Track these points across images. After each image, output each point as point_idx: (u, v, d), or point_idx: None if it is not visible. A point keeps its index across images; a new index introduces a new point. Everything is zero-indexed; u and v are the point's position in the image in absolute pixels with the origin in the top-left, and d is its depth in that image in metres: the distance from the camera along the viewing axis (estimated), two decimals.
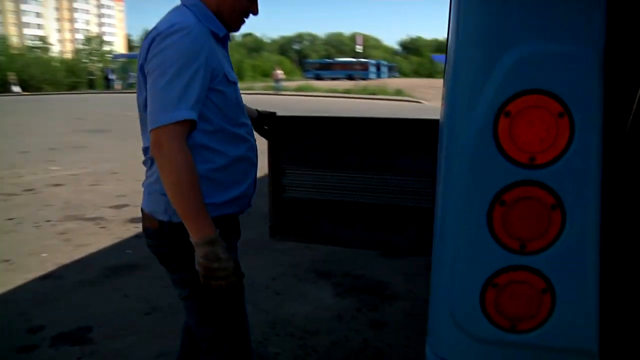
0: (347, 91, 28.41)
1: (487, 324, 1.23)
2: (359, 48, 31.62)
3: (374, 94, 28.30)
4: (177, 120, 1.30)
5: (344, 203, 2.47)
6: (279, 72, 31.96)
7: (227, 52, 1.56)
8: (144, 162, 1.55)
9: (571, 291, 1.17)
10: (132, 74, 34.00)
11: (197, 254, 1.36)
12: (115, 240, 4.72)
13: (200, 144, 1.42)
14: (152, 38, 1.36)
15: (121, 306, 3.39)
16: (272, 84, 31.67)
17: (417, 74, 72.25)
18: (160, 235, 1.50)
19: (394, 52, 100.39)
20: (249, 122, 1.61)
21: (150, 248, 1.59)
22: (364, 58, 46.14)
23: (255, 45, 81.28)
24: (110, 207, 5.93)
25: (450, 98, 1.23)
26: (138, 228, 4.98)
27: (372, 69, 50.71)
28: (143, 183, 1.56)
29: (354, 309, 3.37)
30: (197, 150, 1.40)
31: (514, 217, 1.17)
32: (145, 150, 1.51)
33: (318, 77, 48.63)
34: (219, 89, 1.43)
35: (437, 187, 1.32)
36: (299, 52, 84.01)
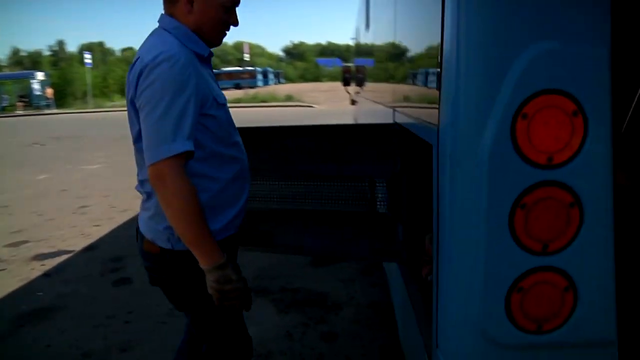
0: (238, 100, 28.01)
1: (513, 329, 1.22)
2: (246, 56, 31.36)
3: (265, 101, 28.25)
4: (176, 153, 1.30)
5: (300, 212, 2.39)
6: None
7: (211, 70, 1.55)
8: (140, 192, 1.56)
9: (591, 286, 1.19)
10: (4, 96, 31.33)
11: (209, 278, 1.38)
12: (21, 283, 4.10)
13: (196, 173, 1.41)
14: (140, 70, 1.34)
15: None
16: None
17: (303, 78, 73.52)
18: (161, 261, 1.52)
19: (278, 59, 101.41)
20: (239, 138, 1.59)
21: (147, 270, 1.60)
22: (249, 66, 45.90)
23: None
24: (6, 245, 5.21)
25: (456, 103, 1.19)
26: (45, 265, 4.46)
27: (259, 76, 50.62)
28: (139, 213, 1.59)
29: (300, 324, 3.26)
30: (193, 180, 1.36)
31: (535, 219, 1.16)
32: (142, 183, 1.52)
33: None
34: (211, 113, 1.43)
35: (440, 196, 1.27)
36: None
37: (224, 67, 57.62)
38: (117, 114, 24.34)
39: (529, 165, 1.14)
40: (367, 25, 3.71)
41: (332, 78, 48.69)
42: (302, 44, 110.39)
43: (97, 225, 5.83)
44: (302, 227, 2.48)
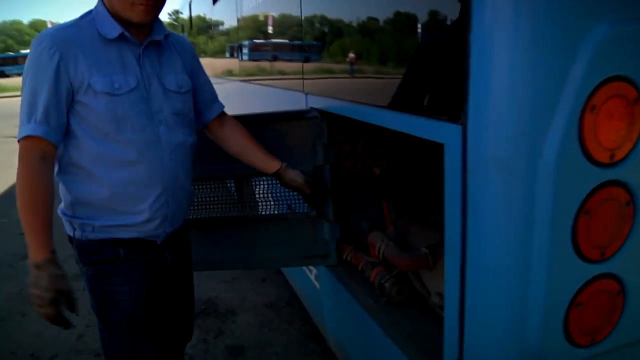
0: None
1: (569, 348, 1.08)
2: None
3: None
4: (24, 135, 1.29)
5: (206, 221, 2.04)
6: None
7: (136, 52, 1.40)
8: None
9: (637, 286, 1.11)
10: None
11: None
12: None
13: (74, 162, 1.38)
14: None
15: None
16: None
17: None
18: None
19: None
20: (140, 137, 1.39)
21: None
22: None
23: None
24: None
25: (504, 96, 0.98)
26: None
27: None
28: None
29: (200, 340, 2.85)
30: (71, 169, 1.39)
31: (596, 224, 1.02)
32: None
33: (2, 74, 40.25)
34: (83, 101, 1.33)
35: (475, 206, 1.06)
36: None
37: (22, 49, 48.69)
38: None
39: (593, 165, 0.99)
40: None
41: None
42: None
43: None
44: (208, 238, 2.09)
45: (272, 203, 2.08)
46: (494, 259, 1.06)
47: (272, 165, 1.74)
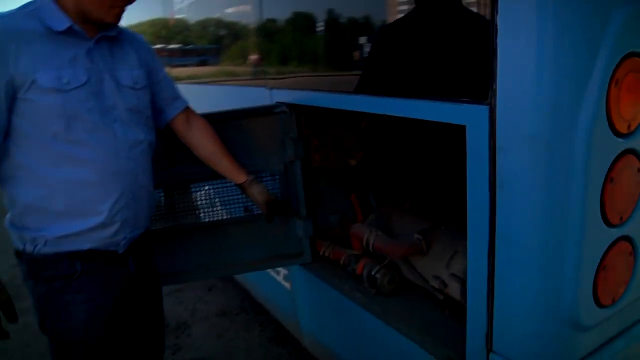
0: None
1: (596, 310, 1.16)
2: None
3: None
4: None
5: (176, 228, 1.90)
6: None
7: (86, 47, 1.29)
8: None
9: None
10: None
11: None
12: None
13: (22, 165, 1.27)
14: None
15: None
16: None
17: None
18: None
19: None
20: (93, 135, 1.29)
21: None
22: None
23: None
24: None
25: (534, 72, 1.01)
26: None
27: None
28: None
29: None
30: (18, 173, 1.28)
31: (618, 191, 1.10)
32: None
33: None
34: (28, 98, 1.23)
35: (499, 181, 1.10)
36: None
37: None
38: None
39: (615, 136, 1.06)
40: None
41: None
42: None
43: None
44: (175, 248, 1.96)
45: (236, 206, 2.00)
46: (528, 233, 1.10)
47: (238, 177, 1.72)
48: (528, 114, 1.04)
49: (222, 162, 1.68)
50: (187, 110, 1.63)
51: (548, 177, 1.05)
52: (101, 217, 1.31)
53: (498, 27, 1.04)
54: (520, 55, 1.02)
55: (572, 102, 1.01)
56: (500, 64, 1.05)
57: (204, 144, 1.65)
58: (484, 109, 1.10)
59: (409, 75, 1.34)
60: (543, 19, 1.00)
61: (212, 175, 1.78)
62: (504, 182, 1.10)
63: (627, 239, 1.16)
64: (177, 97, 1.61)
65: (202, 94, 2.68)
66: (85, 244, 1.32)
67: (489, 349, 1.24)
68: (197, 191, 1.96)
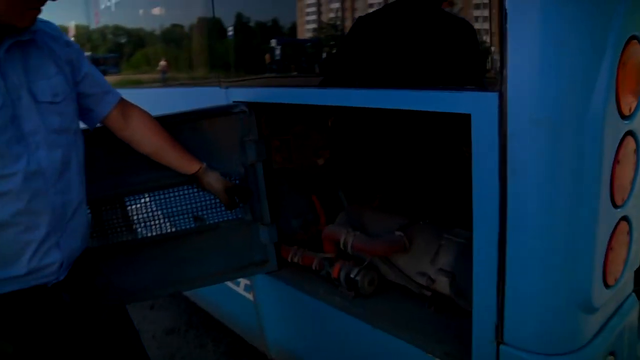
0: None
1: (604, 290, 1.17)
2: None
3: None
4: None
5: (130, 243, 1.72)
6: None
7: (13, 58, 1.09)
8: None
9: (637, 223, 1.24)
10: None
11: None
12: None
13: None
14: None
15: None
16: None
17: None
18: None
19: None
20: (13, 169, 1.08)
21: None
22: None
23: None
24: None
25: (542, 57, 1.00)
26: None
27: None
28: None
29: None
30: None
31: (623, 172, 1.12)
32: None
33: None
34: None
35: (509, 168, 1.08)
36: None
37: None
38: None
39: (620, 118, 1.08)
40: None
41: None
42: None
43: None
44: (127, 265, 1.76)
45: (186, 215, 1.83)
46: (542, 218, 1.08)
47: (190, 166, 1.56)
48: (540, 98, 1.02)
49: (171, 154, 1.51)
50: (121, 103, 1.43)
51: (562, 161, 1.04)
52: (22, 269, 1.13)
53: (507, 13, 1.01)
54: (532, 40, 1.01)
55: (584, 85, 1.01)
56: (510, 50, 1.03)
57: (148, 138, 1.47)
58: (493, 96, 1.07)
59: (393, 66, 1.29)
60: (552, 3, 0.98)
61: (157, 183, 1.63)
62: (517, 169, 1.07)
63: (625, 218, 1.19)
64: (107, 91, 1.39)
65: (148, 98, 2.48)
66: (5, 287, 1.13)
67: (500, 341, 1.22)
68: (136, 204, 1.77)
